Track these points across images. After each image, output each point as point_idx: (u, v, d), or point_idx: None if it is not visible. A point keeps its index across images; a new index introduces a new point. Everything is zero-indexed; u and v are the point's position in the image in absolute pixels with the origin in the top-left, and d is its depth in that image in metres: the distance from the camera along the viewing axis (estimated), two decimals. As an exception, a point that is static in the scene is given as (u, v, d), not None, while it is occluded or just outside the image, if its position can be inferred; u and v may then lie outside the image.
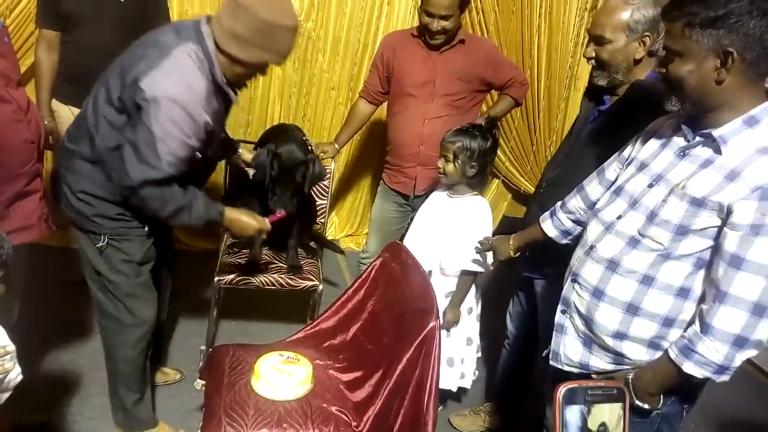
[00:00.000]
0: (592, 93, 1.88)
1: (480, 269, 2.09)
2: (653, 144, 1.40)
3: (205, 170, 1.95)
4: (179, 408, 2.22)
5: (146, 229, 1.83)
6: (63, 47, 2.42)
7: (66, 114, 2.45)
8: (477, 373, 2.31)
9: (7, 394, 1.20)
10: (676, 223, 1.26)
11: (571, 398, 1.07)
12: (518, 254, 1.89)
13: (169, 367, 2.40)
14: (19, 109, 1.58)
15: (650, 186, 1.33)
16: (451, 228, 2.12)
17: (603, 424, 1.10)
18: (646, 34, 1.67)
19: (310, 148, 2.33)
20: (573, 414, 1.08)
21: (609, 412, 1.11)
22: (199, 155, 1.71)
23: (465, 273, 2.12)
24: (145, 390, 2.02)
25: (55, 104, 2.50)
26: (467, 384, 2.27)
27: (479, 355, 2.29)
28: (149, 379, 2.06)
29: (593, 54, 1.74)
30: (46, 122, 2.46)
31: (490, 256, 2.05)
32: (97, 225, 1.76)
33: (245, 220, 1.93)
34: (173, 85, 1.57)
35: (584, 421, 1.08)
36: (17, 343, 1.21)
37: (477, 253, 2.04)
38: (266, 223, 1.99)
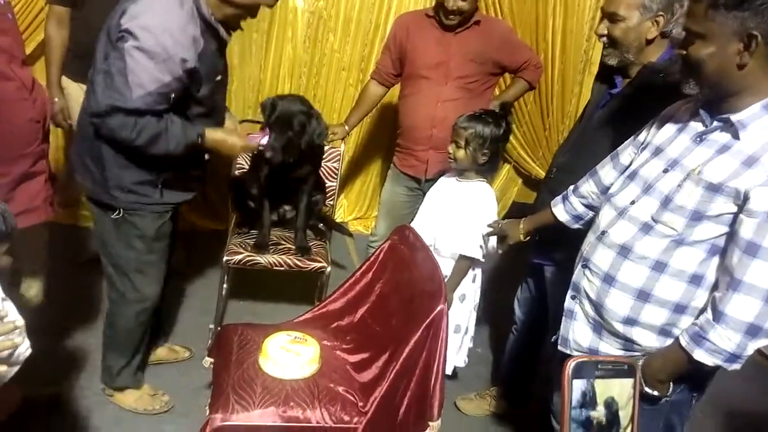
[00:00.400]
0: (604, 75, 1.85)
1: (477, 255, 2.05)
2: (669, 129, 1.37)
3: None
4: (188, 385, 2.23)
5: (162, 204, 1.83)
6: (73, 23, 2.40)
7: (75, 90, 2.44)
8: (467, 360, 2.25)
9: (17, 368, 1.21)
10: (691, 209, 1.24)
11: (580, 372, 1.07)
12: (528, 238, 1.87)
13: (178, 345, 2.42)
14: (23, 87, 1.55)
15: (665, 171, 1.31)
16: (453, 210, 2.10)
17: (611, 398, 1.09)
18: (660, 13, 1.64)
19: (319, 118, 2.30)
20: (582, 388, 1.07)
21: (619, 389, 1.11)
22: (173, 95, 1.66)
23: (462, 258, 2.08)
24: (134, 357, 2.06)
25: (65, 81, 2.49)
26: (447, 371, 2.24)
27: (471, 345, 2.26)
28: (142, 348, 2.09)
29: (605, 31, 1.71)
30: (56, 99, 2.46)
31: (492, 240, 2.02)
32: (113, 198, 1.78)
33: (231, 139, 1.87)
34: (150, 19, 1.56)
35: (593, 394, 1.08)
36: (27, 318, 1.22)
37: (486, 236, 2.01)
38: (249, 140, 1.96)
